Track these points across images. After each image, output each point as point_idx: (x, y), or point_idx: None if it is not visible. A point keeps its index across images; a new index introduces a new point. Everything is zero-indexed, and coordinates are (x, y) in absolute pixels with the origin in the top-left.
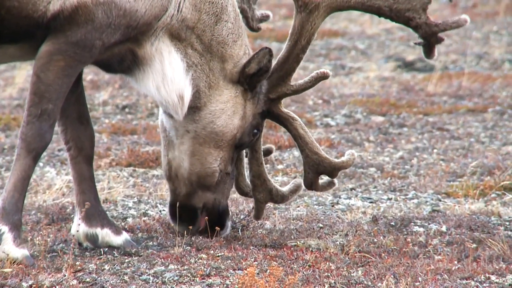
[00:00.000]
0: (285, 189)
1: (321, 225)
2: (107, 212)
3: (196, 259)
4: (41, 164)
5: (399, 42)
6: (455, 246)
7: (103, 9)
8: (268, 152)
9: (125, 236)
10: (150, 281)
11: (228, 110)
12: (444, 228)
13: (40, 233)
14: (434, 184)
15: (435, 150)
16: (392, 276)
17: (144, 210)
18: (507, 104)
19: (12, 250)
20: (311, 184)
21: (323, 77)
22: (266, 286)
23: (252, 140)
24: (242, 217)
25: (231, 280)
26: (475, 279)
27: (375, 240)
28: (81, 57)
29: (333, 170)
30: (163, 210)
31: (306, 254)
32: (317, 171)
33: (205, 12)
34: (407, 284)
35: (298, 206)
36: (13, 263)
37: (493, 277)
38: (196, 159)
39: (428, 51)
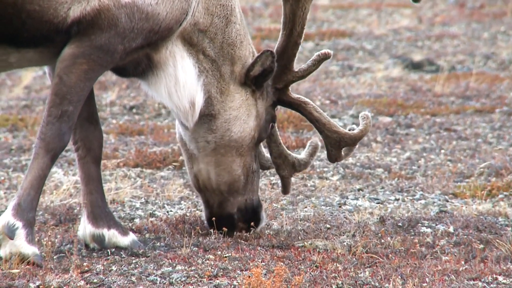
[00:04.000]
0: (304, 155)
1: (328, 225)
2: (114, 213)
3: (204, 259)
4: None
5: (407, 43)
6: (463, 246)
7: (125, 13)
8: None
9: (132, 236)
10: (158, 282)
11: (242, 115)
12: (451, 229)
13: (48, 234)
14: (442, 185)
15: (442, 151)
16: (399, 276)
17: (152, 210)
18: None
19: (23, 246)
20: (336, 159)
21: (325, 57)
22: (272, 286)
23: (269, 132)
24: None
25: (239, 281)
26: (482, 279)
27: (383, 240)
28: (103, 61)
29: (354, 142)
30: (170, 211)
31: (313, 255)
32: (340, 146)
33: (217, 15)
34: (414, 285)
35: (306, 207)
36: (22, 260)
37: (500, 278)
38: (222, 169)
39: None
